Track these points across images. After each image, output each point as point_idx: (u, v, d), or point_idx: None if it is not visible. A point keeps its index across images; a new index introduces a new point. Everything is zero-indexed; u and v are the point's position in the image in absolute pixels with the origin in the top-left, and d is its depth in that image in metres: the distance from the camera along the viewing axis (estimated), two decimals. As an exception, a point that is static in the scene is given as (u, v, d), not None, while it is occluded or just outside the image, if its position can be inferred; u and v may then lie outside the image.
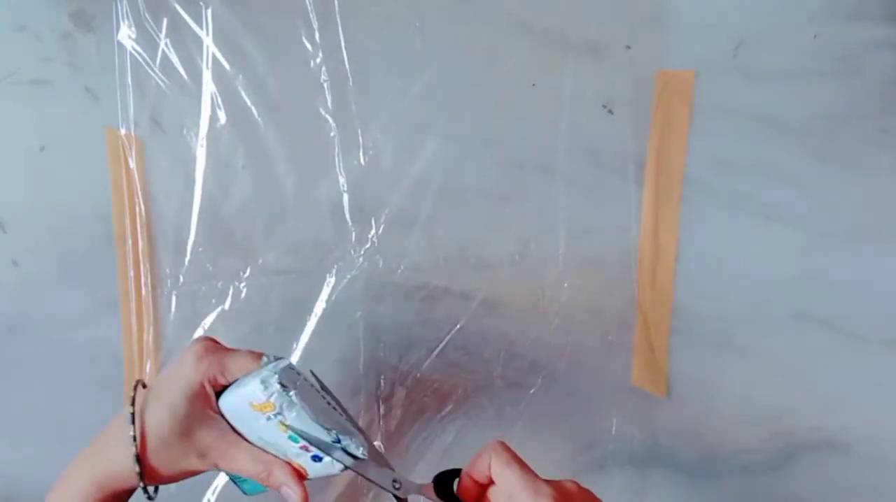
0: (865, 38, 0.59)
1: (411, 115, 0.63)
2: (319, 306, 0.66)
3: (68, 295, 0.66)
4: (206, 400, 0.48)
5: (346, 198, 0.65)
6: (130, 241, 0.65)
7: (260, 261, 0.66)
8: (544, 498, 0.42)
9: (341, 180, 0.64)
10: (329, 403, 0.49)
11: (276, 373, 0.46)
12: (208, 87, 0.63)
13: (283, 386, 0.46)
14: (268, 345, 0.52)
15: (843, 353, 0.64)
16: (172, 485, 0.50)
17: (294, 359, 0.66)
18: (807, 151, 0.61)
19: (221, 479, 0.66)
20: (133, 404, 0.48)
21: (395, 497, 0.48)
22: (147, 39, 0.62)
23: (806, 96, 0.61)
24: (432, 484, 0.48)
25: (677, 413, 0.66)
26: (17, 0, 0.62)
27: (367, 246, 0.65)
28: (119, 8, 0.62)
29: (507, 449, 0.45)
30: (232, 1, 0.62)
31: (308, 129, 0.64)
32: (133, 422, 0.47)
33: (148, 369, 0.67)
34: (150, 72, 0.63)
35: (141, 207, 0.65)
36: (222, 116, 0.63)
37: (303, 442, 0.47)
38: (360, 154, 0.64)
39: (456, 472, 0.47)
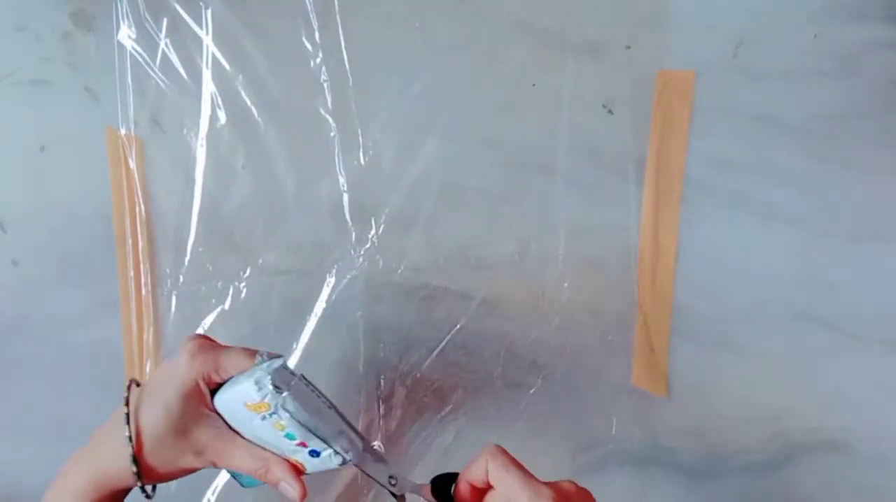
0: (865, 38, 0.59)
1: (411, 115, 0.63)
2: (319, 306, 0.66)
3: (68, 295, 0.66)
4: (200, 399, 0.48)
5: (346, 198, 0.65)
6: (130, 241, 0.65)
7: (260, 261, 0.66)
8: (544, 499, 0.42)
9: (341, 180, 0.64)
10: (323, 402, 0.49)
11: (269, 373, 0.46)
12: (208, 87, 0.63)
13: (276, 387, 0.46)
14: (268, 345, 0.52)
15: (843, 353, 0.64)
16: (172, 485, 0.50)
17: (294, 358, 0.66)
18: (807, 151, 0.61)
19: (221, 479, 0.66)
20: (127, 404, 0.48)
21: (392, 494, 0.48)
22: (147, 39, 0.62)
23: (806, 96, 0.61)
24: (430, 485, 0.48)
25: (677, 413, 0.66)
26: (17, 0, 0.62)
27: (367, 246, 0.65)
28: (119, 8, 0.62)
29: (504, 453, 0.45)
30: (232, 1, 0.62)
31: (308, 129, 0.64)
32: (128, 423, 0.47)
33: (148, 369, 0.67)
34: (150, 72, 0.63)
35: (141, 207, 0.65)
36: (222, 116, 0.63)
37: (300, 439, 0.47)
38: (360, 154, 0.64)
39: (453, 476, 0.47)
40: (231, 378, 0.49)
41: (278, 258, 0.65)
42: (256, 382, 0.46)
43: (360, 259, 0.65)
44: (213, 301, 0.66)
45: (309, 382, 0.49)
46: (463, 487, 0.46)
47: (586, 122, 0.63)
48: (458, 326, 0.66)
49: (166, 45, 0.63)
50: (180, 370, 0.48)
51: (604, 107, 0.62)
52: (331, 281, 0.65)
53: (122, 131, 0.64)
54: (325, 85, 0.63)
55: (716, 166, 0.62)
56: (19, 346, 0.67)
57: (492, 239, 0.65)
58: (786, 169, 0.62)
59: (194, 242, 0.65)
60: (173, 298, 0.66)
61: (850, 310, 0.63)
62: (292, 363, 0.66)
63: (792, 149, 0.61)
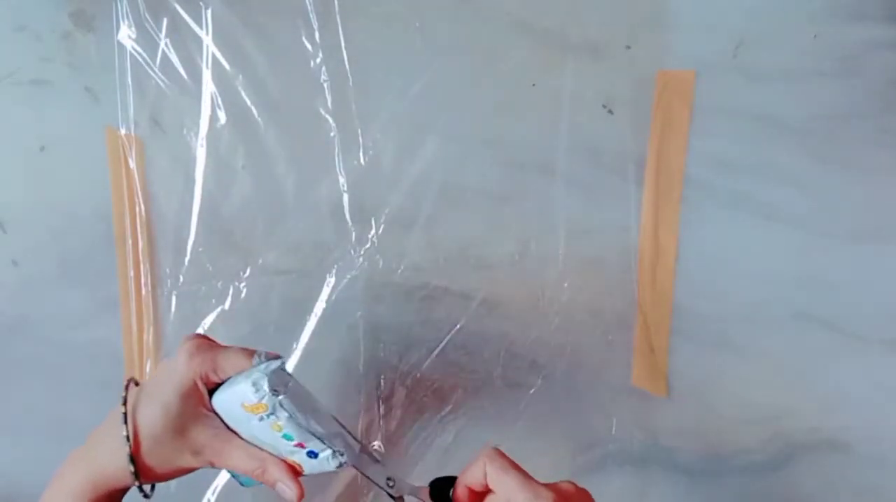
0: (865, 38, 0.59)
1: (411, 115, 0.63)
2: (319, 306, 0.66)
3: (68, 295, 0.66)
4: (198, 398, 0.48)
5: (346, 198, 0.65)
6: (130, 241, 0.65)
7: (260, 261, 0.66)
8: (543, 501, 0.42)
9: (341, 180, 0.64)
10: (320, 406, 0.49)
11: (266, 375, 0.46)
12: (208, 87, 0.63)
13: (273, 390, 0.46)
14: (268, 345, 0.52)
15: (843, 353, 0.64)
16: (171, 484, 0.50)
17: (294, 359, 0.66)
18: (807, 151, 0.61)
19: (221, 479, 0.66)
20: (125, 404, 0.48)
21: (390, 495, 0.48)
22: (147, 39, 0.62)
23: (806, 96, 0.61)
24: (428, 488, 0.48)
25: (677, 413, 0.66)
26: (17, 0, 0.62)
27: (367, 246, 0.65)
28: (119, 8, 0.62)
29: (502, 456, 0.44)
30: (232, 1, 0.62)
31: (308, 129, 0.64)
32: (125, 422, 0.47)
33: (148, 369, 0.67)
34: (150, 72, 0.63)
35: (141, 207, 0.65)
36: (222, 116, 0.64)
37: (297, 440, 0.47)
38: (360, 154, 0.64)
39: (451, 480, 0.47)
40: (229, 378, 0.49)
41: (278, 258, 0.65)
42: (254, 384, 0.46)
43: (360, 259, 0.65)
44: (213, 301, 0.66)
45: (302, 387, 0.49)
46: (461, 491, 0.46)
47: (586, 122, 0.63)
48: (458, 326, 0.66)
49: (166, 45, 0.63)
50: (178, 369, 0.48)
51: (604, 107, 0.62)
52: (331, 281, 0.65)
53: (122, 131, 0.64)
54: (325, 85, 0.63)
55: (716, 166, 0.62)
56: (19, 346, 0.67)
57: (492, 239, 0.65)
58: (786, 169, 0.62)
59: (194, 242, 0.65)
60: (173, 298, 0.66)
61: (850, 310, 0.63)
62: (292, 363, 0.66)
63: (792, 149, 0.61)
